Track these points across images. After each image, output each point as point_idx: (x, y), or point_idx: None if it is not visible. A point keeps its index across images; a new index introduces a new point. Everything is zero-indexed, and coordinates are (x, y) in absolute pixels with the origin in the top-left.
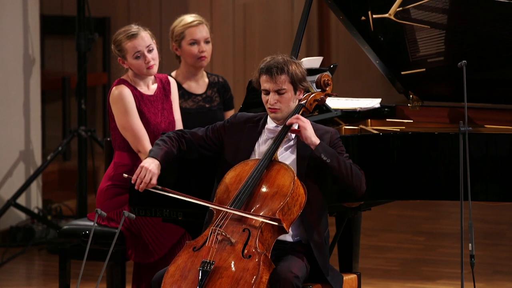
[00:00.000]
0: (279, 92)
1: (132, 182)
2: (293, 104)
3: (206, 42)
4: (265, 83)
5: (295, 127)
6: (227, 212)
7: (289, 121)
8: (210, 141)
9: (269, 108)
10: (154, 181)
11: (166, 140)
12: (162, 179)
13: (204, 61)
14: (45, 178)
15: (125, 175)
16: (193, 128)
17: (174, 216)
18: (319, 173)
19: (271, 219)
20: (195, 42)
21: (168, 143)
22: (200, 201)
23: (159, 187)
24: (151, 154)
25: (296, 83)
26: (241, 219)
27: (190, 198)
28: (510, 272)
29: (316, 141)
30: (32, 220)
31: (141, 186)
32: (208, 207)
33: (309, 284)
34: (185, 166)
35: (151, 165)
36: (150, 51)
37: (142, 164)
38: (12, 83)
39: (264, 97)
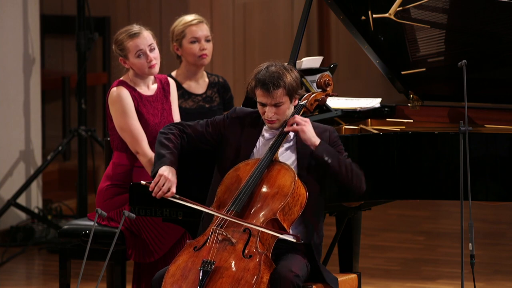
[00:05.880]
0: (276, 105)
1: (150, 190)
2: (289, 110)
3: (207, 40)
4: (261, 97)
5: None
6: (232, 214)
7: (286, 128)
8: (209, 136)
9: (266, 119)
10: (173, 190)
11: (172, 138)
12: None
13: (205, 59)
14: (45, 178)
15: (143, 182)
16: None
17: (174, 215)
18: (319, 173)
19: (287, 235)
20: (196, 40)
21: (174, 142)
22: (218, 212)
23: (177, 196)
24: (167, 162)
25: (292, 93)
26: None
27: (207, 208)
28: (510, 272)
29: (316, 141)
30: (32, 220)
31: (158, 194)
32: (226, 218)
33: (310, 283)
34: (184, 163)
35: (169, 174)
36: (152, 50)
37: (160, 172)
38: (12, 83)
39: (260, 108)
